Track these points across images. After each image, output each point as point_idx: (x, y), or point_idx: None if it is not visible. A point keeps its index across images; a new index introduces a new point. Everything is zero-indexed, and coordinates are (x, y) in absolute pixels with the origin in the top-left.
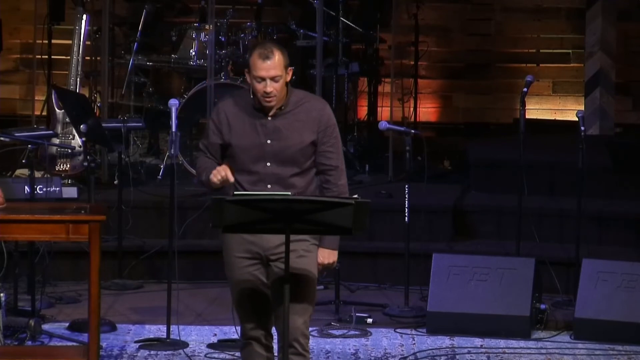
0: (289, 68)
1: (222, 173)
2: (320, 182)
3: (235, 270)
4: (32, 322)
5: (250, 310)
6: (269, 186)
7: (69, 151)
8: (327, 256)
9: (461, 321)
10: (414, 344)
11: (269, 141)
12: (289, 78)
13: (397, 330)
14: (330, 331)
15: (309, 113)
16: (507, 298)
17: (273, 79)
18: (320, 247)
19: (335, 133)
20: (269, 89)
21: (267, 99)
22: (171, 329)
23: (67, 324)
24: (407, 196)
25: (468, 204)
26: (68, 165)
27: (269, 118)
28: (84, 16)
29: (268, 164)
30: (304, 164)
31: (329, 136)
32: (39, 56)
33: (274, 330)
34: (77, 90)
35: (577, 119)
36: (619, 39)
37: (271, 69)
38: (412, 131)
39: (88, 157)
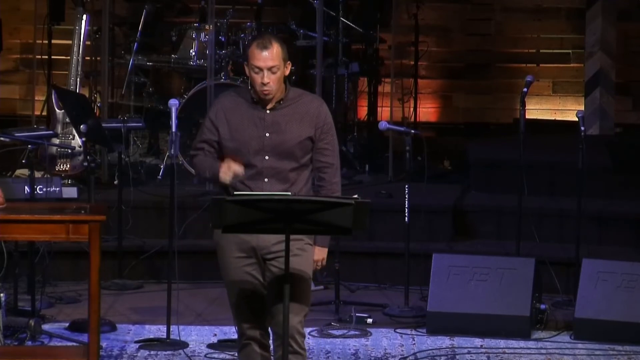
0: (288, 62)
1: (231, 170)
2: (315, 180)
3: (231, 270)
4: (32, 322)
5: (248, 310)
6: (266, 180)
7: (69, 151)
8: (318, 253)
9: (461, 321)
10: (414, 344)
11: (267, 134)
12: (287, 72)
13: (397, 330)
14: (330, 331)
15: (308, 108)
16: (507, 298)
17: (270, 69)
18: None
19: (332, 131)
20: (266, 80)
21: (265, 90)
22: (171, 329)
23: (67, 324)
24: (407, 196)
25: (468, 204)
26: (68, 165)
27: (268, 111)
28: (84, 16)
29: (266, 157)
30: (302, 159)
31: (326, 133)
32: (39, 56)
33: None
34: (77, 90)
35: (577, 119)
36: (619, 39)
37: (269, 59)
38: (412, 131)
39: (88, 157)
